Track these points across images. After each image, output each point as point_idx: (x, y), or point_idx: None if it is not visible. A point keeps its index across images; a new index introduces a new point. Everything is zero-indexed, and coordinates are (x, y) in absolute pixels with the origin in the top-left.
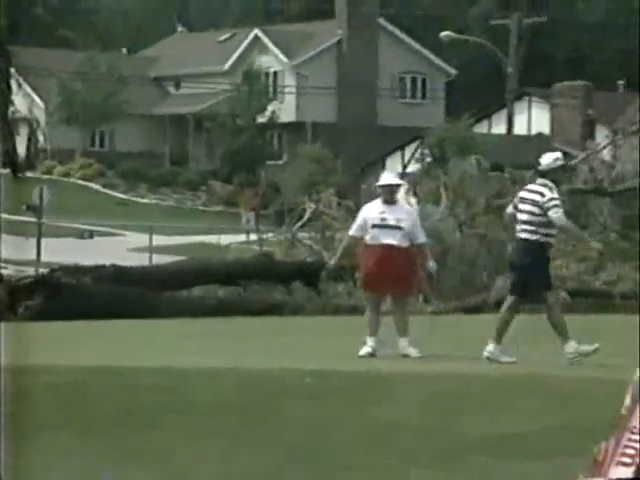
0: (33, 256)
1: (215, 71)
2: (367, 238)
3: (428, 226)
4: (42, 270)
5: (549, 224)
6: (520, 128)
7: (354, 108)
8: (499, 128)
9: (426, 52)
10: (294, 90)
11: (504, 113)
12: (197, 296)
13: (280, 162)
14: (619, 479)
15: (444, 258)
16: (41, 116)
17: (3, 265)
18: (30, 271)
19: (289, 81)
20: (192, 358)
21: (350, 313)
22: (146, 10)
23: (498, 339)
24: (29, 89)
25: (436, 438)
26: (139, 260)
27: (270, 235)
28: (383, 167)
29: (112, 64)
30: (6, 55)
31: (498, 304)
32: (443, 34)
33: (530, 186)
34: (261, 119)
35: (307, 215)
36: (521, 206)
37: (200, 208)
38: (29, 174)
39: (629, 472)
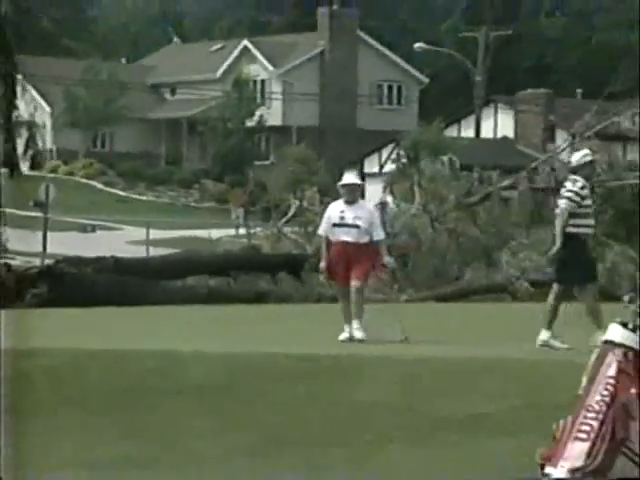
0: (39, 248)
1: (207, 79)
2: (330, 236)
3: (403, 221)
4: (47, 261)
5: (579, 215)
6: (487, 132)
7: (335, 113)
8: (468, 132)
9: (401, 62)
10: (280, 96)
11: (472, 118)
12: (190, 285)
13: (267, 162)
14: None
15: (418, 251)
16: (47, 120)
17: (11, 256)
18: (36, 262)
19: (275, 88)
20: (185, 343)
21: (331, 301)
22: (144, 22)
23: (549, 326)
24: (36, 95)
25: (410, 416)
26: (137, 252)
27: (258, 230)
28: (362, 167)
29: (112, 72)
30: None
31: (467, 293)
32: (417, 45)
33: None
34: (250, 123)
35: (292, 211)
36: (558, 202)
37: (193, 205)
38: (35, 172)
39: (584, 447)
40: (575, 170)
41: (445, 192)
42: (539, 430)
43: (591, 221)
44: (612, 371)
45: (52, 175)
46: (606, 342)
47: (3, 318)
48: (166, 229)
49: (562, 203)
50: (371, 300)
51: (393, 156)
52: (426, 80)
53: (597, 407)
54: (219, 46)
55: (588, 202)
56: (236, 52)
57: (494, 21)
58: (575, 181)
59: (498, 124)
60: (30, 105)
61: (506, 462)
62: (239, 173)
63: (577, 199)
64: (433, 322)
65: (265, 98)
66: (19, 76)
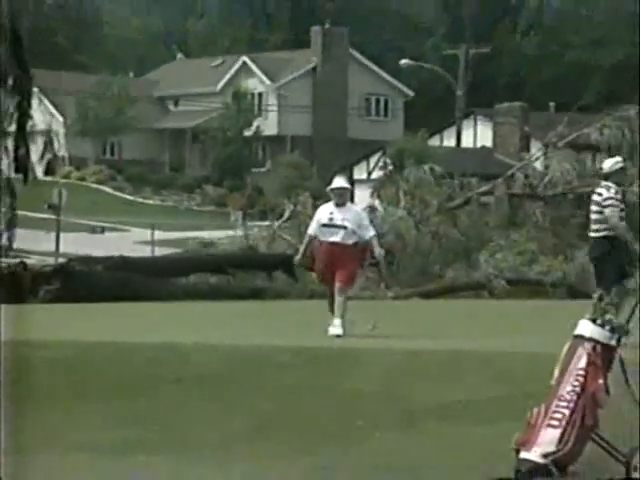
0: (52, 248)
1: (209, 92)
2: (319, 236)
3: (390, 224)
4: (60, 260)
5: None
6: (467, 142)
7: (327, 123)
8: (450, 141)
9: (388, 77)
10: (276, 108)
11: (454, 129)
12: (192, 283)
13: (263, 169)
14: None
15: (403, 251)
16: (60, 129)
17: (26, 255)
18: (50, 261)
19: (271, 100)
20: (187, 335)
21: (323, 298)
22: (150, 40)
23: None
24: (50, 106)
25: (397, 405)
26: (143, 252)
27: (255, 231)
28: (351, 174)
29: (121, 85)
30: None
31: (449, 290)
32: (402, 62)
33: (597, 189)
34: (247, 133)
35: (286, 214)
36: (591, 207)
37: (195, 208)
38: (49, 178)
39: (557, 433)
40: (607, 176)
41: (428, 197)
42: (520, 418)
43: (624, 224)
44: (582, 363)
45: (65, 180)
46: (576, 336)
47: (19, 313)
48: (170, 230)
49: (608, 211)
50: (359, 297)
51: (380, 164)
52: (411, 94)
53: (568, 396)
54: (219, 62)
55: (622, 206)
56: (235, 67)
57: (474, 40)
58: (609, 187)
59: (477, 134)
60: (45, 115)
61: (490, 447)
62: (238, 179)
63: (618, 204)
64: (418, 317)
65: (262, 110)
66: (35, 89)
